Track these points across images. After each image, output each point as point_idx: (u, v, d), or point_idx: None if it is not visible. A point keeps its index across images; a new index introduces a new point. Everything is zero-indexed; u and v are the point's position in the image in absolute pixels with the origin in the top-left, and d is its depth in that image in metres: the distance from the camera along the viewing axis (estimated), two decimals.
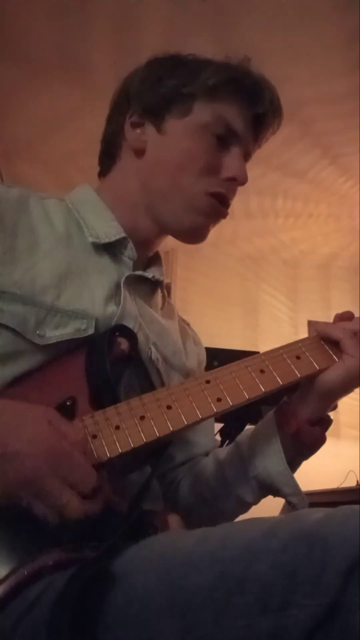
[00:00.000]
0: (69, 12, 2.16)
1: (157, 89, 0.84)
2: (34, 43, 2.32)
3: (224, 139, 0.83)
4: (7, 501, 0.53)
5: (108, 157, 0.91)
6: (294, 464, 0.78)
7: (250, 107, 0.84)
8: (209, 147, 0.82)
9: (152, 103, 0.84)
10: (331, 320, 0.79)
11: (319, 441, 0.78)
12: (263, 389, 0.69)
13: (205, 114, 0.82)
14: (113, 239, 0.81)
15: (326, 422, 0.78)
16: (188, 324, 1.01)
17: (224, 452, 0.86)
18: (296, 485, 0.77)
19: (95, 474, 0.57)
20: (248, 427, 1.98)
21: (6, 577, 0.52)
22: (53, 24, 2.23)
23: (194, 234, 0.86)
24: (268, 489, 0.78)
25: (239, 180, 0.83)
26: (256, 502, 0.82)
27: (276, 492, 0.78)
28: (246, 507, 0.83)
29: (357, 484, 2.74)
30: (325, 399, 0.75)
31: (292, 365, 0.72)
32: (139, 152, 0.86)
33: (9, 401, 0.59)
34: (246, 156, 0.87)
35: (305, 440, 0.76)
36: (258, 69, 0.86)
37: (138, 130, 0.86)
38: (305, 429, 0.76)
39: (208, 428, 0.95)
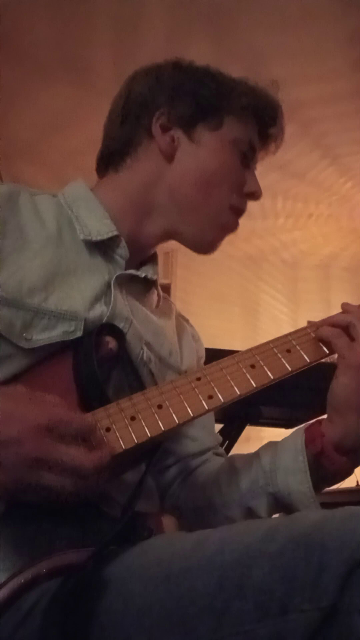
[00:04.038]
0: (70, 13, 2.16)
1: (192, 98, 0.85)
2: (35, 44, 2.32)
3: (246, 156, 0.87)
4: (17, 486, 0.54)
5: (118, 155, 0.87)
6: (315, 489, 0.73)
7: (266, 129, 0.89)
8: (238, 163, 0.86)
9: (186, 111, 0.85)
10: None
11: (343, 470, 0.73)
12: (254, 384, 0.68)
13: (235, 130, 0.85)
14: (105, 237, 0.79)
15: (356, 456, 0.73)
16: (187, 320, 0.99)
17: (241, 459, 0.83)
18: (318, 508, 0.72)
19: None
20: (252, 429, 1.98)
21: (0, 586, 0.52)
22: (54, 25, 2.24)
23: (210, 247, 0.88)
24: (285, 507, 0.75)
25: (256, 196, 0.88)
26: (269, 517, 0.78)
27: (292, 511, 0.73)
28: (255, 517, 0.77)
29: (357, 484, 2.74)
30: (345, 413, 0.71)
31: (282, 359, 0.71)
32: (169, 157, 0.85)
33: None
34: None
35: (328, 466, 0.72)
36: (279, 95, 0.91)
37: (168, 134, 0.85)
38: (330, 453, 0.72)
39: (207, 424, 0.92)
